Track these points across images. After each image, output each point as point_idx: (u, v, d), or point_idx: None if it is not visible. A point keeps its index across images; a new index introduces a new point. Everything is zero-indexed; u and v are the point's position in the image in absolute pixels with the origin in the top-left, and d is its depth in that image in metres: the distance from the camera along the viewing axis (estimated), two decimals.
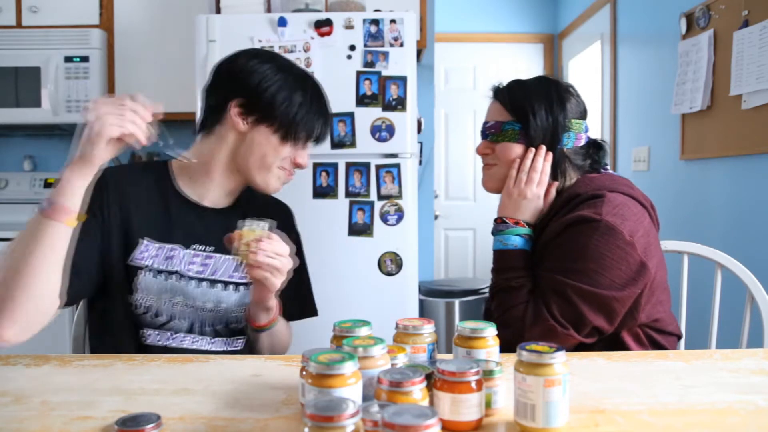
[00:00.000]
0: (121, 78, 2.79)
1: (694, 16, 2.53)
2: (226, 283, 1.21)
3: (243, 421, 0.75)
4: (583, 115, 1.27)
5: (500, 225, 1.25)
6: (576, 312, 1.09)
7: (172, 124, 3.30)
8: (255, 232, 1.02)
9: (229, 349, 1.21)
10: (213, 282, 1.20)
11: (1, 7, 2.72)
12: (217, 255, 1.20)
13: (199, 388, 0.87)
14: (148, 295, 1.14)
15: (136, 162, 1.25)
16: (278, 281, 1.07)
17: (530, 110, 1.21)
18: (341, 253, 2.20)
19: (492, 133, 1.26)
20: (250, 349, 1.24)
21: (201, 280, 1.19)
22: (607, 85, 3.60)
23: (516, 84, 1.28)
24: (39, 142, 3.10)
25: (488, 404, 0.74)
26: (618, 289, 1.09)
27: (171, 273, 1.16)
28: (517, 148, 1.23)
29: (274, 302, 1.14)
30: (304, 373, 0.73)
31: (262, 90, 1.17)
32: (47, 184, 2.92)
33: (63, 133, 3.06)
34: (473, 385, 0.69)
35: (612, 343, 1.14)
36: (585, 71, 4.14)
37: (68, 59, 2.67)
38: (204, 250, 1.20)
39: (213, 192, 1.23)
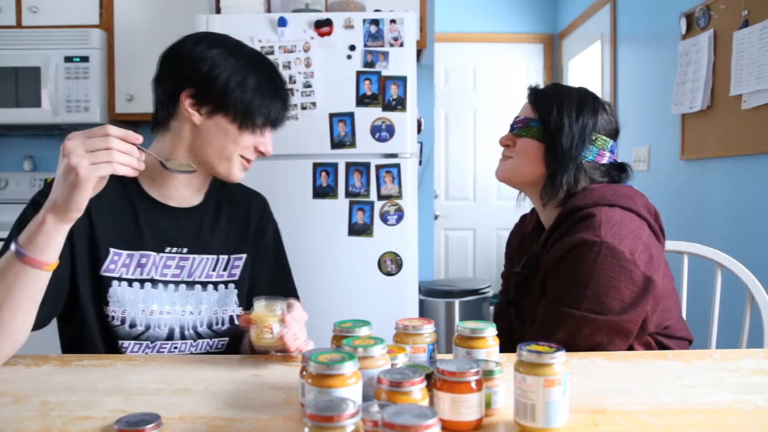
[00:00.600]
0: (121, 78, 2.79)
1: (694, 16, 2.53)
2: (204, 284, 1.18)
3: (243, 421, 0.75)
4: (613, 134, 1.27)
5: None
6: (592, 344, 1.09)
7: None
8: (276, 314, 0.96)
9: (212, 350, 1.18)
10: (191, 284, 1.16)
11: (1, 7, 2.72)
12: (193, 256, 1.17)
13: (199, 388, 0.87)
14: (122, 306, 1.10)
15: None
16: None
17: (557, 112, 1.23)
18: (341, 253, 2.20)
19: (518, 128, 1.27)
20: (234, 349, 1.21)
21: (178, 283, 1.15)
22: (607, 85, 3.60)
23: (553, 86, 1.30)
24: (39, 142, 3.10)
25: (488, 404, 0.74)
26: (628, 310, 1.08)
27: (144, 281, 1.12)
28: (536, 147, 1.24)
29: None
30: (304, 373, 0.73)
31: (213, 77, 1.10)
32: (47, 184, 2.91)
33: (63, 133, 3.06)
34: (473, 385, 0.69)
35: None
36: (585, 71, 4.14)
37: (68, 59, 2.67)
38: (178, 252, 1.16)
39: (179, 191, 1.18)
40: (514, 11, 4.53)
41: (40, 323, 1.02)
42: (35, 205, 1.07)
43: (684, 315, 1.52)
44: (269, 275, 1.28)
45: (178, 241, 1.16)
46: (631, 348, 1.14)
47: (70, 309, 1.12)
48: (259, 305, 0.97)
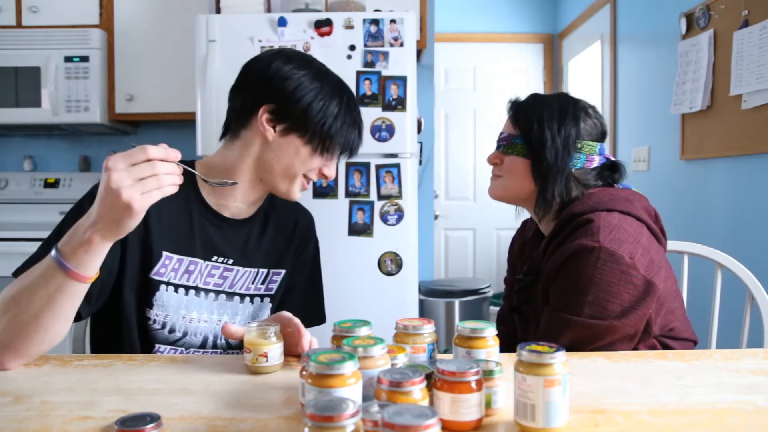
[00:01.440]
0: (121, 78, 2.79)
1: (694, 16, 2.53)
2: (243, 296, 1.19)
3: (243, 421, 0.75)
4: (600, 137, 1.26)
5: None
6: (595, 349, 1.09)
7: (172, 124, 3.29)
8: (271, 341, 0.94)
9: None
10: (230, 295, 1.18)
11: (1, 7, 2.72)
12: (237, 267, 1.18)
13: (199, 388, 0.87)
14: (165, 311, 1.12)
15: None
16: None
17: (538, 126, 1.22)
18: (341, 253, 2.20)
19: (503, 145, 1.27)
20: None
21: (219, 293, 1.17)
22: (607, 85, 3.60)
23: (531, 99, 1.28)
24: (39, 142, 3.10)
25: (488, 404, 0.74)
26: (629, 314, 1.08)
27: (189, 288, 1.14)
28: (523, 163, 1.24)
29: None
30: (304, 373, 0.73)
31: (297, 98, 1.11)
32: (47, 184, 2.92)
33: (63, 133, 3.06)
34: (473, 385, 0.69)
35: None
36: (585, 71, 4.14)
37: (68, 59, 2.68)
38: (224, 263, 1.17)
39: (236, 202, 1.18)
40: (514, 11, 4.53)
41: (85, 316, 1.04)
42: (81, 210, 1.05)
43: None
44: (302, 293, 1.29)
45: (225, 251, 1.17)
46: (635, 350, 1.14)
47: (109, 309, 1.12)
48: (252, 331, 0.95)
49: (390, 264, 2.21)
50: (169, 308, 1.12)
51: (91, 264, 0.88)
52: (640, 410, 0.77)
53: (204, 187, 1.18)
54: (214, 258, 1.16)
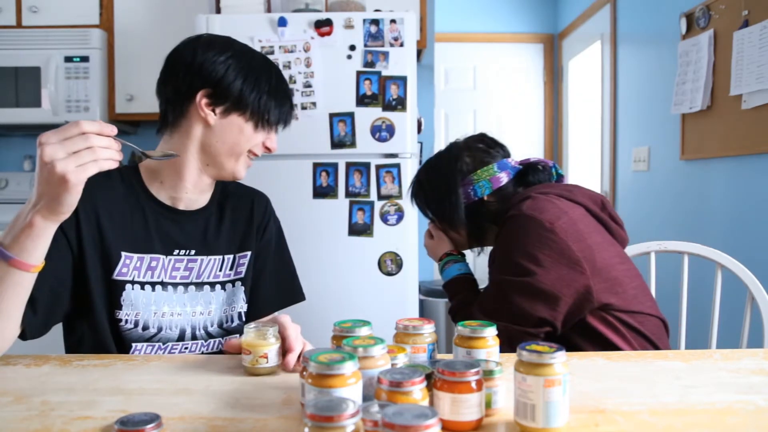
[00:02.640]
0: (121, 78, 2.79)
1: (694, 16, 2.53)
2: (213, 284, 1.19)
3: (243, 421, 0.75)
4: (491, 158, 1.33)
5: (439, 266, 1.43)
6: (516, 308, 1.14)
7: None
8: (270, 342, 0.94)
9: (223, 349, 1.19)
10: (200, 285, 1.18)
11: (1, 7, 2.72)
12: (200, 257, 1.18)
13: (199, 388, 0.87)
14: (135, 309, 1.11)
15: (104, 171, 1.18)
16: None
17: (423, 198, 1.39)
18: (341, 253, 2.20)
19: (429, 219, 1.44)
20: None
21: (188, 284, 1.17)
22: (607, 85, 3.60)
23: (419, 169, 1.42)
24: None
25: (488, 404, 0.74)
26: (543, 271, 1.13)
27: (155, 284, 1.14)
28: (441, 228, 1.41)
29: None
30: (304, 373, 0.73)
31: (231, 79, 1.13)
32: None
33: None
34: (473, 385, 0.69)
35: (583, 330, 1.16)
36: (585, 71, 4.14)
37: (68, 59, 2.68)
38: (187, 255, 1.17)
39: (187, 193, 1.19)
40: (514, 11, 4.53)
41: (38, 330, 1.02)
42: None
43: (684, 315, 1.53)
44: (272, 274, 1.29)
45: (186, 243, 1.18)
46: (589, 325, 1.15)
47: (77, 316, 1.12)
48: (250, 332, 0.95)
49: (390, 264, 2.21)
50: (139, 306, 1.12)
51: (35, 251, 0.88)
52: (640, 410, 0.77)
53: (153, 185, 1.18)
54: (176, 252, 1.17)
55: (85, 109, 2.69)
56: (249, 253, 1.24)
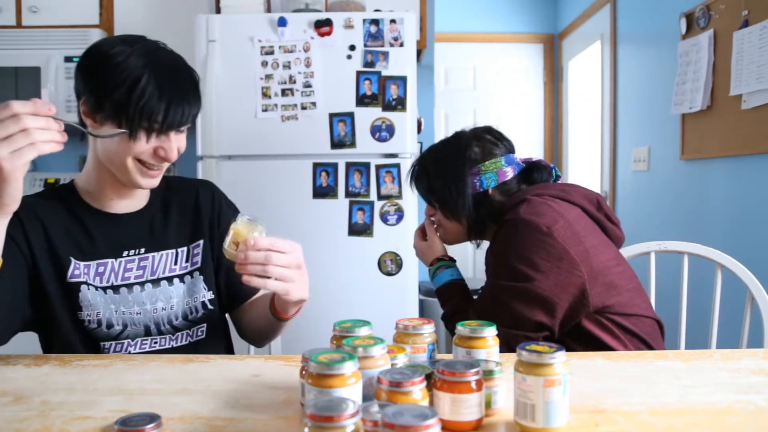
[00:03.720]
0: None
1: (694, 16, 2.53)
2: (170, 278, 1.18)
3: (243, 421, 0.75)
4: (504, 152, 1.33)
5: (430, 271, 1.41)
6: (516, 313, 1.14)
7: None
8: (240, 232, 0.95)
9: (193, 340, 1.19)
10: (156, 281, 1.17)
11: (1, 7, 2.72)
12: (152, 254, 1.17)
13: (199, 388, 0.87)
14: (95, 309, 1.10)
15: (40, 192, 1.17)
16: (293, 290, 1.02)
17: (426, 182, 1.37)
18: (341, 253, 2.20)
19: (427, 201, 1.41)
20: (215, 331, 1.22)
21: (143, 283, 1.15)
22: (607, 85, 3.60)
23: (423, 153, 1.41)
24: None
25: (488, 404, 0.74)
26: (542, 277, 1.12)
27: (107, 288, 1.12)
28: (441, 213, 1.37)
29: (301, 297, 1.09)
30: (304, 373, 0.73)
31: (105, 87, 1.04)
32: (47, 184, 2.92)
33: None
34: (473, 385, 0.69)
35: (578, 334, 1.16)
36: (585, 71, 4.14)
37: (68, 59, 2.67)
38: (137, 254, 1.16)
39: (114, 200, 1.16)
40: (514, 11, 4.53)
41: None
42: None
43: (684, 315, 1.53)
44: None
45: (134, 243, 1.16)
46: (584, 329, 1.15)
47: (42, 323, 1.12)
48: (243, 220, 0.98)
49: (390, 264, 2.21)
50: (98, 305, 1.10)
51: None
52: (640, 410, 0.77)
53: (85, 195, 1.16)
54: (125, 253, 1.15)
55: None
56: (201, 242, 1.23)
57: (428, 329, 0.85)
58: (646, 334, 1.18)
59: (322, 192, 2.20)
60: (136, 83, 1.03)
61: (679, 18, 2.65)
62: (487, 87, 4.56)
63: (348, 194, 2.20)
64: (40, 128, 0.80)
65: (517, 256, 1.15)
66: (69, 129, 0.89)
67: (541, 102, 4.58)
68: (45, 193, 1.19)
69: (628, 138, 3.33)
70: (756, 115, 2.16)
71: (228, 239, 0.98)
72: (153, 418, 0.70)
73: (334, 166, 2.20)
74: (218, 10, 2.54)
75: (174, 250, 1.20)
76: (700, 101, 2.46)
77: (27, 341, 1.17)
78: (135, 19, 2.78)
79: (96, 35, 2.70)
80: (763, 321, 1.38)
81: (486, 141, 1.33)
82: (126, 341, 1.13)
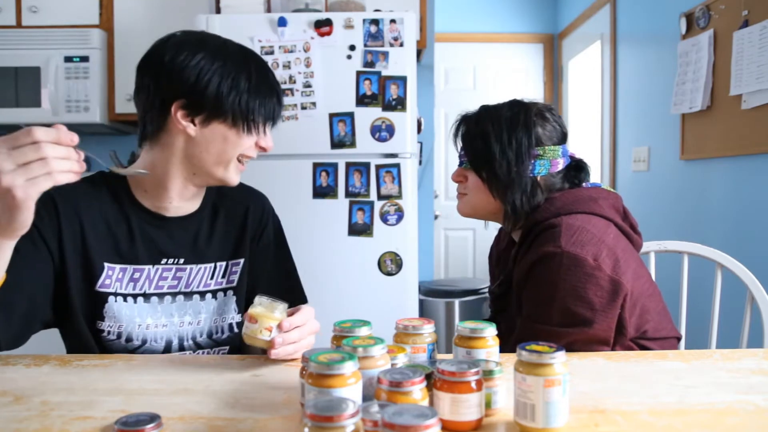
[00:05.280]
0: (121, 78, 2.79)
1: (694, 16, 2.53)
2: (203, 293, 1.15)
3: (243, 421, 0.75)
4: (561, 139, 1.23)
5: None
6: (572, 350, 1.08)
7: None
8: (275, 317, 0.94)
9: None
10: (189, 294, 1.14)
11: (1, 7, 2.72)
12: (189, 266, 1.14)
13: (199, 388, 0.87)
14: (118, 322, 1.08)
15: (90, 177, 1.13)
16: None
17: (484, 141, 1.20)
18: (341, 253, 2.20)
19: (465, 161, 1.27)
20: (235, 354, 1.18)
21: (176, 294, 1.13)
22: (607, 85, 3.60)
23: (478, 113, 1.25)
24: None
25: (488, 404, 0.74)
26: (600, 318, 1.07)
27: (137, 296, 1.10)
28: (481, 180, 1.23)
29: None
30: (304, 373, 0.73)
31: (204, 85, 1.03)
32: None
33: None
34: (473, 385, 0.69)
35: None
36: (585, 71, 4.14)
37: (68, 59, 2.67)
38: (175, 263, 1.13)
39: (172, 203, 1.13)
40: (514, 11, 4.53)
41: (14, 341, 1.00)
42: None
43: (684, 315, 1.53)
44: (271, 274, 1.24)
45: (174, 251, 1.13)
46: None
47: (60, 326, 1.10)
48: (261, 303, 0.96)
49: (390, 264, 2.21)
50: (122, 318, 1.08)
51: None
52: (640, 410, 0.77)
53: (137, 192, 1.13)
54: (163, 261, 1.12)
55: (85, 109, 2.69)
56: (242, 261, 1.20)
57: (428, 329, 0.85)
58: None
59: (322, 192, 2.20)
60: (244, 79, 1.06)
61: (679, 18, 2.65)
62: (487, 87, 4.56)
63: (348, 194, 2.20)
64: (60, 158, 0.78)
65: (570, 295, 1.06)
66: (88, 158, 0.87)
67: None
68: (95, 178, 1.14)
69: (628, 138, 3.33)
70: (756, 115, 2.16)
71: (257, 326, 0.93)
72: (153, 418, 0.70)
73: (334, 166, 2.20)
74: (218, 10, 2.54)
75: (213, 264, 1.17)
76: (700, 101, 2.46)
77: (27, 341, 1.17)
78: (135, 19, 2.78)
79: (96, 35, 2.70)
80: (763, 321, 1.38)
81: (549, 123, 1.22)
82: (142, 357, 1.10)
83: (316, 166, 2.20)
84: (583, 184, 1.25)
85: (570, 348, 1.06)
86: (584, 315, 1.06)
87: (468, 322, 0.85)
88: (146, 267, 1.11)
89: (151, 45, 1.10)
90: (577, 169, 1.25)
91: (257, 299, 0.97)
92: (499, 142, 1.19)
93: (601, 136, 3.73)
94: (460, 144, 1.27)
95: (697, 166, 2.60)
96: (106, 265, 1.08)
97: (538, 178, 1.20)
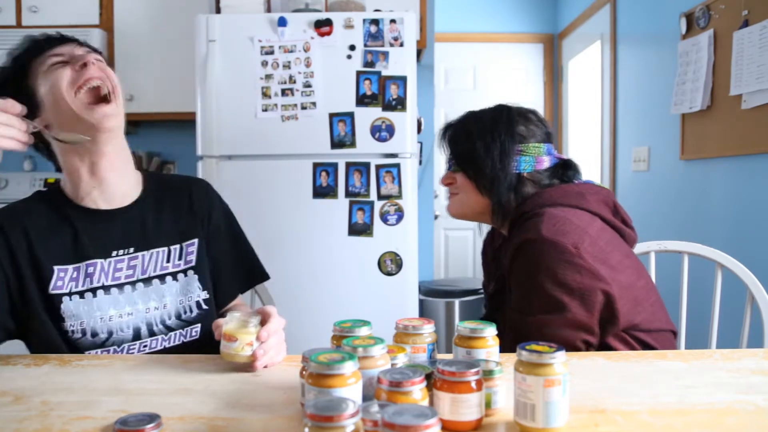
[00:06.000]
0: (121, 78, 2.78)
1: (694, 16, 2.53)
2: (162, 277, 1.17)
3: (243, 421, 0.75)
4: (544, 139, 1.27)
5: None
6: (561, 342, 1.07)
7: (172, 124, 3.29)
8: (251, 332, 0.94)
9: (186, 340, 1.18)
10: (148, 280, 1.16)
11: (1, 7, 2.72)
12: (141, 253, 1.16)
13: (199, 388, 0.87)
14: (78, 319, 1.09)
15: (28, 197, 1.20)
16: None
17: (468, 144, 1.25)
18: (341, 253, 2.20)
19: (453, 164, 1.31)
20: (209, 333, 1.17)
21: (135, 282, 1.15)
22: (607, 85, 3.60)
23: (464, 115, 1.31)
24: None
25: (488, 404, 0.74)
26: (578, 302, 1.07)
27: (96, 289, 1.12)
28: (469, 180, 1.27)
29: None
30: (304, 373, 0.73)
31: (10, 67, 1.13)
32: (47, 185, 2.92)
33: None
34: (473, 385, 0.69)
35: (601, 350, 1.13)
36: (585, 71, 4.14)
37: None
38: (126, 254, 1.15)
39: (100, 193, 1.16)
40: (514, 11, 4.53)
41: None
42: None
43: (684, 315, 1.53)
44: (229, 256, 1.28)
45: (123, 242, 1.16)
46: (607, 345, 1.13)
47: (32, 334, 1.11)
48: (233, 320, 0.95)
49: (390, 264, 2.21)
50: (81, 315, 1.09)
51: None
52: (640, 410, 0.77)
53: (78, 196, 1.16)
54: (114, 253, 1.14)
55: None
56: (196, 241, 1.22)
57: (428, 329, 0.85)
58: (665, 348, 1.17)
59: (322, 192, 2.20)
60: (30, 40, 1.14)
61: (679, 18, 2.65)
62: (487, 87, 4.56)
63: (348, 194, 2.20)
64: (3, 123, 0.82)
65: (549, 281, 1.08)
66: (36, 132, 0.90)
67: (541, 102, 4.58)
68: (33, 197, 1.20)
69: (628, 138, 3.33)
70: (756, 115, 2.16)
71: (237, 344, 0.93)
72: (153, 418, 0.70)
73: (334, 166, 2.20)
74: (218, 10, 2.54)
75: (166, 248, 1.19)
76: (700, 101, 2.46)
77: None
78: (135, 19, 2.78)
79: (96, 35, 2.70)
80: (763, 321, 1.38)
81: (532, 122, 1.26)
82: (112, 348, 1.12)
83: (316, 166, 2.20)
84: (575, 181, 1.27)
85: (554, 335, 1.08)
86: (561, 299, 1.07)
87: (468, 322, 0.85)
88: (98, 261, 1.13)
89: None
90: (565, 167, 1.28)
91: (229, 316, 0.96)
92: (482, 140, 1.24)
93: (601, 136, 3.73)
94: (447, 149, 1.32)
95: (697, 166, 2.60)
96: (56, 268, 1.10)
97: (524, 174, 1.23)
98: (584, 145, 4.15)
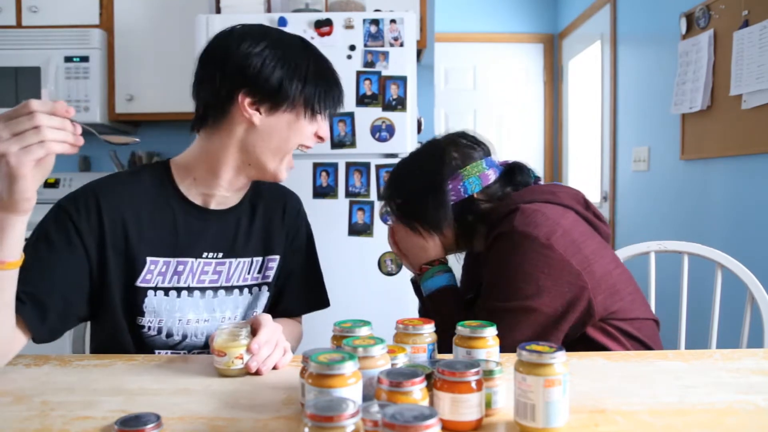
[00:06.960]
0: (121, 78, 2.79)
1: (694, 16, 2.53)
2: (241, 288, 1.16)
3: (243, 421, 0.75)
4: (482, 155, 1.26)
5: (418, 276, 1.33)
6: (529, 333, 1.09)
7: (172, 124, 3.28)
8: (242, 344, 0.92)
9: None
10: (229, 289, 1.15)
11: (1, 7, 2.72)
12: (229, 260, 1.14)
13: (199, 388, 0.87)
14: (158, 317, 1.08)
15: (133, 168, 1.13)
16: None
17: (401, 198, 1.27)
18: (341, 253, 2.20)
19: (396, 219, 1.32)
20: None
21: (217, 289, 1.13)
22: (607, 85, 3.60)
23: (390, 177, 1.32)
24: None
25: (488, 404, 0.74)
26: (547, 294, 1.07)
27: (181, 289, 1.10)
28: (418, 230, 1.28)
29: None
30: (304, 373, 0.73)
31: (268, 74, 1.05)
32: (47, 184, 2.92)
33: None
34: (473, 385, 0.69)
35: (583, 342, 1.13)
36: (585, 71, 4.14)
37: (68, 59, 2.68)
38: (215, 257, 1.13)
39: (220, 192, 1.13)
40: (514, 11, 4.53)
41: (48, 336, 1.00)
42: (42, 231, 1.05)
43: (684, 315, 1.53)
44: (300, 277, 1.26)
45: (215, 245, 1.13)
46: (588, 337, 1.13)
47: (98, 321, 1.10)
48: (221, 334, 0.94)
49: (390, 264, 2.21)
50: (162, 313, 1.08)
51: (6, 245, 0.83)
52: (640, 410, 0.77)
53: (184, 182, 1.12)
54: (205, 255, 1.12)
55: (85, 109, 2.69)
56: (278, 258, 1.20)
57: (428, 329, 0.85)
58: (647, 337, 1.17)
59: (322, 192, 2.20)
60: (305, 67, 1.08)
61: (679, 18, 2.65)
62: (487, 87, 4.56)
63: (348, 194, 2.20)
64: (53, 127, 0.79)
65: (519, 274, 1.09)
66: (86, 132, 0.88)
67: (541, 102, 4.59)
68: (141, 171, 1.15)
69: (628, 138, 3.33)
70: (756, 115, 2.16)
71: (227, 359, 0.92)
72: (153, 418, 0.70)
73: (334, 166, 2.20)
74: (218, 10, 2.54)
75: (250, 259, 1.17)
76: (700, 101, 2.46)
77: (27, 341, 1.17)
78: (135, 19, 2.78)
79: (96, 35, 2.70)
80: (763, 321, 1.38)
81: (463, 146, 1.27)
82: (182, 352, 1.11)
83: (316, 166, 2.20)
84: (530, 181, 1.28)
85: (519, 325, 1.08)
86: (531, 291, 1.08)
87: (468, 322, 0.85)
88: (189, 260, 1.11)
89: (213, 38, 1.11)
90: (512, 172, 1.27)
91: (218, 331, 0.95)
92: (410, 190, 1.25)
93: (601, 136, 3.73)
94: (391, 217, 1.33)
95: (697, 166, 2.60)
96: (148, 259, 1.08)
97: (475, 195, 1.23)
98: (584, 145, 4.16)
